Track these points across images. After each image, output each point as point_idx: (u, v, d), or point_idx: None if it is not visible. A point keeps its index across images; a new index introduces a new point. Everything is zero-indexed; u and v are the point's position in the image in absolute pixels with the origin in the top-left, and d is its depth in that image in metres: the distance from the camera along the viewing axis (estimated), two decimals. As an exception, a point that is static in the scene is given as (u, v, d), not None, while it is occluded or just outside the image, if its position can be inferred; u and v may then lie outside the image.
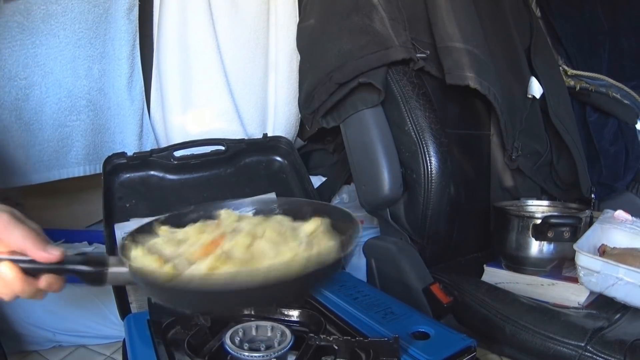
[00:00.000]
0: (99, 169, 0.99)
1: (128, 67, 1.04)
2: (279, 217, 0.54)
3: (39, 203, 1.17)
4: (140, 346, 0.61)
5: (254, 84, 1.15)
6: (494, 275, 0.98)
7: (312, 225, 0.51)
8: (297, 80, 1.16)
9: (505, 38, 1.23)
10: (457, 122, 1.13)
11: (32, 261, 0.47)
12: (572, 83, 1.34)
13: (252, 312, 0.67)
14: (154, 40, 1.08)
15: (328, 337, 0.57)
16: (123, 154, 0.93)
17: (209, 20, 1.07)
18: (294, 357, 0.56)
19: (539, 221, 0.93)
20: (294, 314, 0.67)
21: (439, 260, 1.05)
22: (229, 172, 1.03)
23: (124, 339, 0.68)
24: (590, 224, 0.95)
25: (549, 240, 0.93)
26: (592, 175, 1.32)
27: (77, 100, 0.98)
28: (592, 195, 1.24)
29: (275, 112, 1.18)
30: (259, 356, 0.54)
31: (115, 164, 0.92)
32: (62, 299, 0.93)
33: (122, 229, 0.89)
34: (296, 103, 1.17)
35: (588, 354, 0.72)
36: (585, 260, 0.80)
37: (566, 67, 1.35)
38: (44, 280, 0.48)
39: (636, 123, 1.39)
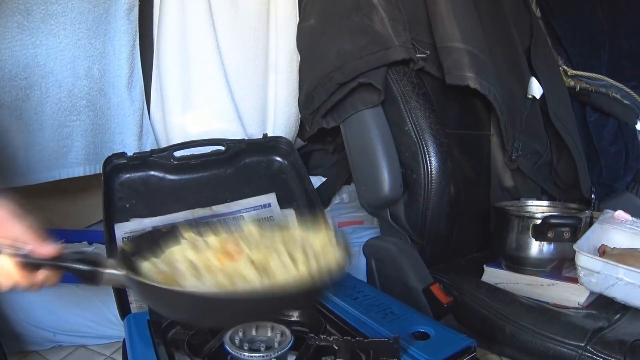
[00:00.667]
0: (99, 169, 0.99)
1: (128, 67, 1.04)
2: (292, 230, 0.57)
3: (39, 203, 1.17)
4: (140, 346, 0.61)
5: (254, 84, 1.15)
6: (494, 275, 0.98)
7: (321, 238, 0.54)
8: (297, 80, 1.16)
9: (505, 38, 1.23)
10: (457, 122, 1.13)
11: (30, 254, 0.48)
12: (572, 83, 1.34)
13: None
14: (154, 40, 1.08)
15: (328, 337, 0.57)
16: (123, 154, 0.93)
17: (209, 20, 1.07)
18: (294, 357, 0.56)
19: (539, 221, 0.93)
20: (294, 314, 0.67)
21: (439, 260, 1.05)
22: (229, 172, 1.03)
23: (124, 339, 0.68)
24: (590, 224, 0.95)
25: (549, 241, 0.93)
26: (592, 175, 1.32)
27: (77, 100, 0.98)
28: (592, 196, 1.24)
29: (275, 112, 1.18)
30: (259, 356, 0.54)
31: (115, 164, 0.92)
32: (62, 299, 0.93)
33: (122, 229, 0.89)
34: (296, 103, 1.17)
35: (588, 354, 0.72)
36: (585, 260, 0.80)
37: (566, 67, 1.35)
38: (41, 274, 0.49)
39: (636, 123, 1.39)
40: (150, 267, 0.51)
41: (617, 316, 0.81)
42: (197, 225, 0.59)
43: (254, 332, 0.60)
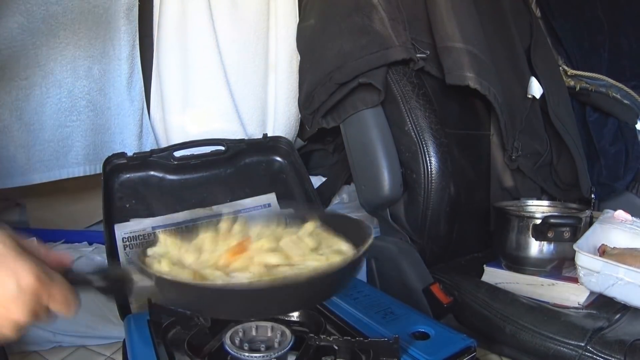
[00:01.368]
0: (99, 169, 0.99)
1: (128, 67, 1.04)
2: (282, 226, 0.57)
3: (39, 203, 1.17)
4: (140, 346, 0.61)
5: (254, 84, 1.15)
6: (494, 275, 0.98)
7: (311, 225, 0.54)
8: (297, 80, 1.16)
9: (505, 38, 1.23)
10: (457, 122, 1.13)
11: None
12: (572, 83, 1.34)
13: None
14: (154, 40, 1.08)
15: (328, 337, 0.57)
16: (123, 154, 0.93)
17: (209, 20, 1.07)
18: (294, 357, 0.56)
19: (539, 221, 0.93)
20: (294, 314, 0.67)
21: (439, 260, 1.05)
22: (229, 172, 1.03)
23: (124, 339, 0.68)
24: (590, 224, 0.95)
25: (549, 240, 0.92)
26: (592, 175, 1.32)
27: (77, 100, 0.98)
28: (592, 196, 1.24)
29: (275, 112, 1.18)
30: (259, 356, 0.54)
31: (115, 164, 0.92)
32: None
33: (122, 229, 0.89)
34: (296, 103, 1.17)
35: (588, 354, 0.72)
36: (585, 260, 0.80)
37: (566, 67, 1.35)
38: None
39: (636, 123, 1.39)
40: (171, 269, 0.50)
41: (617, 316, 0.81)
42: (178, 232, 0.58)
43: (254, 332, 0.60)
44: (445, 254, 1.07)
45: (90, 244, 1.11)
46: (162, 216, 0.93)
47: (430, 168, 0.96)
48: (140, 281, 0.48)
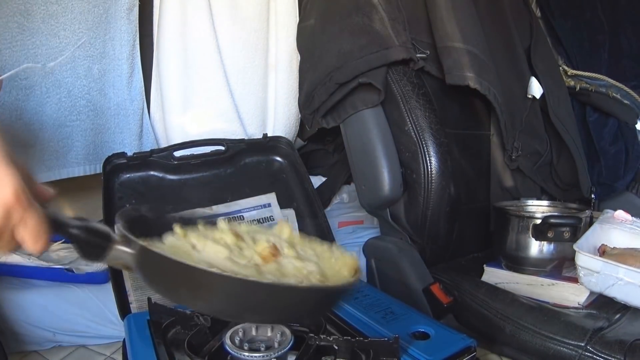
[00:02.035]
0: (99, 169, 0.99)
1: (128, 67, 1.04)
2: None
3: (39, 203, 1.17)
4: (140, 346, 0.61)
5: (254, 84, 1.15)
6: (494, 275, 0.98)
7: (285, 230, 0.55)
8: (297, 80, 1.16)
9: (505, 38, 1.23)
10: (457, 122, 1.13)
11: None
12: (572, 83, 1.34)
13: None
14: (154, 40, 1.08)
15: (328, 337, 0.57)
16: (123, 154, 0.93)
17: (209, 20, 1.07)
18: (294, 357, 0.56)
19: (539, 221, 0.93)
20: (294, 314, 0.67)
21: (439, 260, 1.05)
22: (229, 172, 1.03)
23: (124, 339, 0.68)
24: (590, 224, 0.95)
25: (549, 240, 0.92)
26: (592, 175, 1.32)
27: (77, 100, 0.98)
28: (592, 196, 1.24)
29: (275, 112, 1.18)
30: (259, 356, 0.54)
31: (115, 164, 0.92)
32: (62, 299, 0.93)
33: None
34: (296, 103, 1.17)
35: (588, 354, 0.72)
36: (585, 260, 0.80)
37: (566, 67, 1.35)
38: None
39: (636, 123, 1.39)
40: (176, 244, 0.47)
41: (617, 316, 0.81)
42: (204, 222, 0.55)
43: (254, 332, 0.60)
44: (445, 254, 1.07)
45: (90, 243, 1.11)
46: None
47: (430, 168, 0.96)
48: (120, 245, 0.44)
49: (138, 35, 1.05)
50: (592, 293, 0.85)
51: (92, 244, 0.44)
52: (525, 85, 1.22)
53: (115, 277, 0.83)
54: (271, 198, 1.02)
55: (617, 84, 1.30)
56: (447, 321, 0.89)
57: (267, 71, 1.18)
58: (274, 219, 1.00)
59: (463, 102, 1.15)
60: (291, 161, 1.07)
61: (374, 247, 1.05)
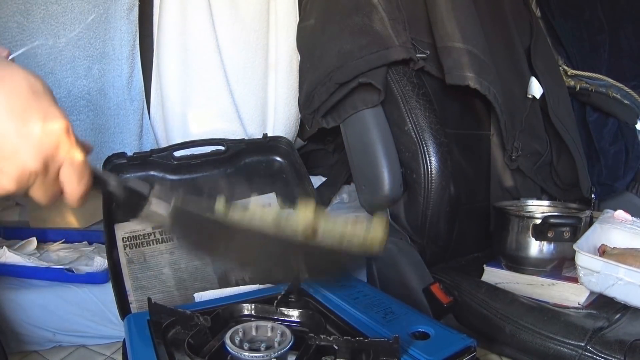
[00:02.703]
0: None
1: (128, 67, 1.04)
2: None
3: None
4: (140, 346, 0.61)
5: (254, 84, 1.15)
6: (494, 275, 0.98)
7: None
8: (297, 80, 1.16)
9: (505, 38, 1.23)
10: (457, 122, 1.13)
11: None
12: (572, 83, 1.34)
13: (253, 312, 0.67)
14: (154, 40, 1.08)
15: (328, 337, 0.57)
16: (123, 154, 0.93)
17: (209, 20, 1.07)
18: (294, 357, 0.56)
19: (539, 221, 0.93)
20: (294, 314, 0.67)
21: (439, 260, 1.05)
22: (229, 172, 1.03)
23: (124, 339, 0.68)
24: (590, 224, 0.95)
25: (549, 240, 0.92)
26: (592, 175, 1.32)
27: (77, 100, 0.98)
28: (592, 195, 1.24)
29: (275, 112, 1.18)
30: (259, 356, 0.54)
31: (115, 164, 0.92)
32: (62, 299, 0.93)
33: (122, 229, 0.89)
34: (296, 103, 1.17)
35: (588, 354, 0.72)
36: (585, 260, 0.80)
37: (566, 67, 1.35)
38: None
39: (636, 123, 1.39)
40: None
41: (617, 316, 0.81)
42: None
43: (254, 332, 0.60)
44: (445, 254, 1.07)
45: (90, 243, 1.11)
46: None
47: (430, 168, 0.96)
48: (155, 205, 0.46)
49: (138, 35, 1.05)
50: (592, 293, 0.85)
51: (128, 202, 0.45)
52: (525, 85, 1.22)
53: (115, 277, 0.83)
54: (271, 198, 1.02)
55: (617, 84, 1.30)
56: (447, 321, 0.89)
57: (267, 71, 1.18)
58: (274, 219, 1.00)
59: (463, 102, 1.15)
60: (291, 161, 1.07)
61: (374, 247, 1.04)
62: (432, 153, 0.96)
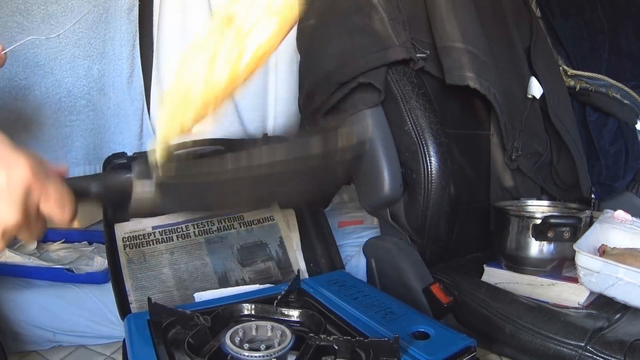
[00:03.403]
0: (99, 169, 0.99)
1: (128, 67, 1.04)
2: None
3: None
4: (140, 346, 0.61)
5: (254, 84, 1.15)
6: (494, 275, 0.98)
7: None
8: (297, 80, 1.16)
9: (505, 38, 1.23)
10: (457, 122, 1.13)
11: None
12: (572, 83, 1.34)
13: (253, 312, 0.67)
14: (154, 40, 1.08)
15: (328, 337, 0.57)
16: (123, 154, 0.93)
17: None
18: (294, 357, 0.56)
19: (539, 221, 0.93)
20: (294, 314, 0.67)
21: (439, 260, 1.05)
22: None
23: (124, 339, 0.68)
24: (590, 224, 0.95)
25: (549, 240, 0.92)
26: (592, 175, 1.32)
27: (77, 100, 0.98)
28: (592, 196, 1.24)
29: (275, 112, 1.18)
30: (259, 356, 0.54)
31: (115, 164, 0.92)
32: (62, 299, 0.93)
33: (122, 229, 0.89)
34: (296, 103, 1.17)
35: (588, 354, 0.72)
36: (585, 260, 0.80)
37: (566, 67, 1.35)
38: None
39: (636, 123, 1.39)
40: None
41: (617, 316, 0.81)
42: None
43: (254, 332, 0.60)
44: (445, 254, 1.07)
45: (90, 243, 1.11)
46: (162, 216, 0.93)
47: (430, 168, 0.96)
48: (140, 187, 0.45)
49: (138, 35, 1.05)
50: (592, 293, 0.85)
51: (116, 195, 0.45)
52: (525, 85, 1.22)
53: (115, 277, 0.83)
54: (271, 198, 1.02)
55: (617, 83, 1.30)
56: (447, 321, 0.89)
57: (267, 71, 1.18)
58: (274, 219, 1.00)
59: (463, 102, 1.15)
60: (291, 161, 1.07)
61: (374, 247, 1.05)
62: (432, 153, 0.96)
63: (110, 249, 0.85)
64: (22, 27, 0.90)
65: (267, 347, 0.56)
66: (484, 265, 1.00)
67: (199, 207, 0.52)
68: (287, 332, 0.58)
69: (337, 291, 0.76)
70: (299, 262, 0.95)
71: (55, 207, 0.39)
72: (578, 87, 1.33)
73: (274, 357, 0.54)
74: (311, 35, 1.09)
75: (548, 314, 0.81)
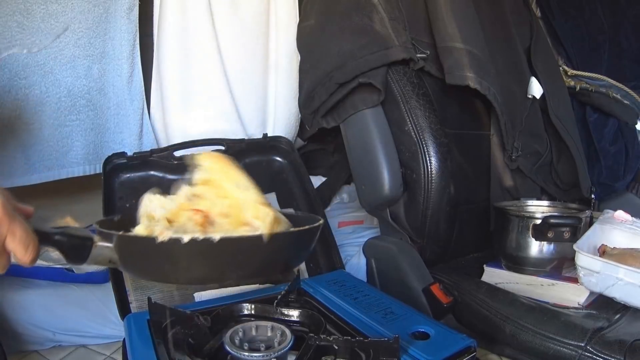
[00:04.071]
0: (99, 169, 0.99)
1: (128, 67, 1.04)
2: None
3: (39, 203, 1.17)
4: (140, 346, 0.61)
5: (254, 84, 1.15)
6: (494, 275, 0.98)
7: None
8: (297, 80, 1.16)
9: (505, 38, 1.23)
10: (457, 122, 1.13)
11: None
12: (572, 83, 1.34)
13: (253, 312, 0.67)
14: (154, 40, 1.08)
15: (328, 337, 0.57)
16: (123, 154, 0.93)
17: (209, 20, 1.07)
18: (294, 357, 0.56)
19: (539, 221, 0.93)
20: (294, 314, 0.67)
21: (439, 260, 1.05)
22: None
23: (124, 339, 0.68)
24: (590, 224, 0.95)
25: (549, 241, 0.93)
26: (592, 175, 1.32)
27: (77, 99, 0.98)
28: (592, 196, 1.24)
29: (275, 112, 1.18)
30: (259, 356, 0.54)
31: (115, 164, 0.92)
32: (62, 299, 0.93)
33: (122, 229, 0.89)
34: (296, 103, 1.17)
35: (588, 354, 0.72)
36: (585, 260, 0.80)
37: (566, 67, 1.35)
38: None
39: (636, 123, 1.39)
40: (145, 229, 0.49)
41: (617, 316, 0.81)
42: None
43: (254, 332, 0.60)
44: (445, 254, 1.07)
45: (90, 243, 1.11)
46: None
47: (430, 168, 0.96)
48: (100, 241, 0.47)
49: (138, 35, 1.05)
50: (592, 293, 0.85)
51: (75, 247, 0.48)
52: (525, 85, 1.22)
53: (115, 277, 0.83)
54: (271, 198, 1.02)
55: (617, 84, 1.31)
56: (447, 321, 0.89)
57: (267, 71, 1.17)
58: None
59: (463, 102, 1.15)
60: (291, 161, 1.07)
61: (374, 247, 1.05)
62: (432, 153, 0.96)
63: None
64: (22, 27, 0.90)
65: (267, 347, 0.56)
66: (484, 265, 1.00)
67: (153, 275, 0.53)
68: (287, 332, 0.58)
69: (337, 291, 0.76)
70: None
71: (20, 247, 0.41)
72: (578, 87, 1.33)
73: (274, 357, 0.54)
74: (311, 35, 1.09)
75: (548, 314, 0.81)
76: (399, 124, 0.99)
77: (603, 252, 0.87)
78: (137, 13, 1.03)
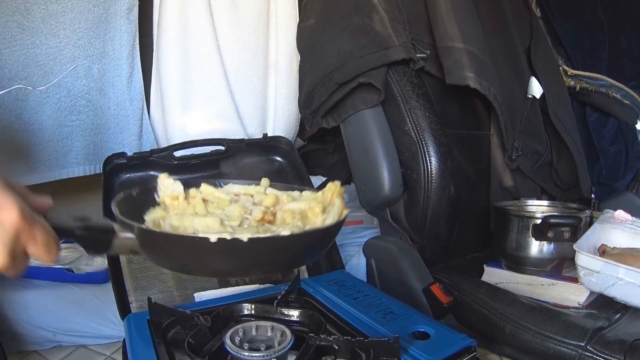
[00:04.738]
0: (99, 169, 0.99)
1: (128, 67, 1.04)
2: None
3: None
4: (140, 346, 0.61)
5: (254, 84, 1.15)
6: (494, 275, 0.98)
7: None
8: (297, 80, 1.16)
9: (505, 38, 1.23)
10: (457, 122, 1.13)
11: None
12: (572, 83, 1.34)
13: (253, 312, 0.67)
14: (154, 40, 1.08)
15: (328, 337, 0.57)
16: (123, 154, 0.93)
17: (209, 21, 1.07)
18: (294, 357, 0.56)
19: (539, 221, 0.93)
20: (294, 314, 0.67)
21: (439, 260, 1.05)
22: (229, 172, 1.03)
23: (124, 339, 0.68)
24: (590, 224, 0.95)
25: (549, 240, 0.93)
26: (592, 175, 1.32)
27: (77, 100, 0.98)
28: (592, 195, 1.24)
29: (275, 112, 1.18)
30: (259, 356, 0.54)
31: (115, 164, 0.92)
32: (62, 299, 0.93)
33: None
34: (296, 103, 1.17)
35: (588, 354, 0.72)
36: (585, 260, 0.80)
37: (566, 67, 1.35)
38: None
39: (636, 123, 1.39)
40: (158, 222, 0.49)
41: (617, 316, 0.81)
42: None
43: (254, 332, 0.60)
44: (445, 254, 1.07)
45: (90, 243, 1.11)
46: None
47: (430, 168, 0.96)
48: (121, 233, 0.47)
49: (138, 35, 1.05)
50: (592, 293, 0.85)
51: (97, 240, 0.47)
52: (525, 85, 1.22)
53: (115, 277, 0.83)
54: (271, 198, 1.02)
55: (617, 84, 1.31)
56: (447, 321, 0.89)
57: (267, 71, 1.18)
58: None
59: (463, 102, 1.15)
60: (291, 161, 1.07)
61: (374, 247, 1.05)
62: (432, 153, 0.96)
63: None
64: (22, 27, 0.90)
65: (267, 347, 0.56)
66: (484, 265, 1.00)
67: (177, 267, 0.53)
68: (287, 332, 0.58)
69: (337, 291, 0.76)
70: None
71: (42, 251, 0.40)
72: (578, 87, 1.33)
73: (274, 357, 0.54)
74: (311, 35, 1.09)
75: (548, 314, 0.81)
76: (399, 124, 0.99)
77: (603, 251, 0.87)
78: (137, 13, 1.04)
